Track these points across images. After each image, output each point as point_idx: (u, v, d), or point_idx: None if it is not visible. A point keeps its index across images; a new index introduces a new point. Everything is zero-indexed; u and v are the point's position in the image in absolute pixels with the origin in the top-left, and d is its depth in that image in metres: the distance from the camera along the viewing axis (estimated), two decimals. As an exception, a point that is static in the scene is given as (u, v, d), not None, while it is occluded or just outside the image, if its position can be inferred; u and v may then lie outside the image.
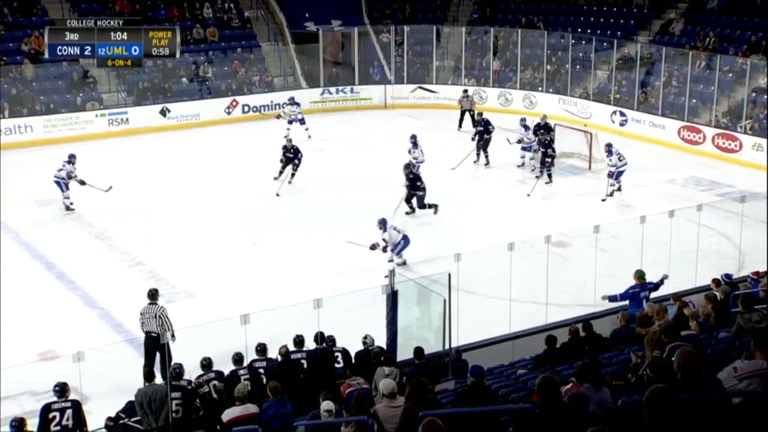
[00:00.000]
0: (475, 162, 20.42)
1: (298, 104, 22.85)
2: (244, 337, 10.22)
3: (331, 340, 10.41)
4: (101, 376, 10.16)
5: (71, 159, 17.45)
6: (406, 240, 14.57)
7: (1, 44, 23.72)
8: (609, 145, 18.53)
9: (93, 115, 23.31)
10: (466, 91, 24.50)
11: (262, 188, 18.77)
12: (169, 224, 16.73)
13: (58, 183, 17.32)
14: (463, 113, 23.75)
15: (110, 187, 17.54)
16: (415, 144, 18.72)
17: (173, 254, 15.23)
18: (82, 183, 17.31)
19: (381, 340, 10.92)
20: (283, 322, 10.86)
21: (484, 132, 20.39)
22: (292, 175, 18.88)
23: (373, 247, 14.28)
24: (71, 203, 17.38)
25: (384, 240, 14.35)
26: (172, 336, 10.92)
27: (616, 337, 10.29)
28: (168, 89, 24.75)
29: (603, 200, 17.99)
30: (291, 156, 18.85)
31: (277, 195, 18.31)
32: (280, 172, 18.85)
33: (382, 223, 14.50)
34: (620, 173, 18.17)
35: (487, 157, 20.43)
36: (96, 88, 23.97)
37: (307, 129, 22.41)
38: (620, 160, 18.13)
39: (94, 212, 17.26)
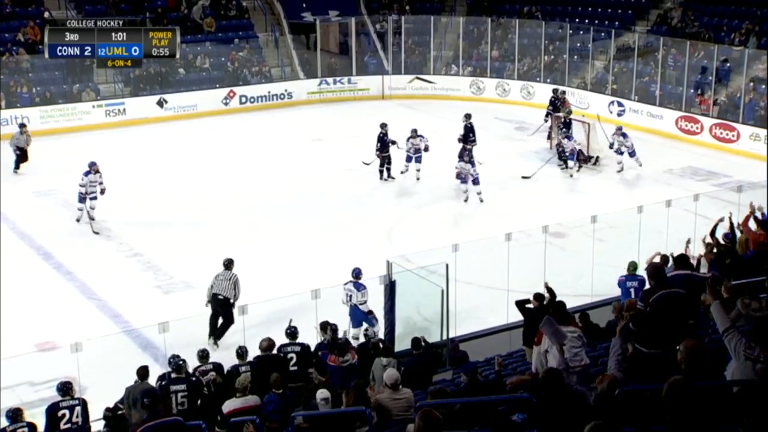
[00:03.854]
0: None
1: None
2: (242, 326, 10.25)
3: (334, 330, 10.37)
4: (99, 367, 10.17)
5: (92, 168, 15.89)
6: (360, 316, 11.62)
7: (-2, 35, 23.68)
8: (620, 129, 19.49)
9: (90, 105, 23.23)
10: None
11: (259, 179, 18.77)
12: (167, 215, 16.72)
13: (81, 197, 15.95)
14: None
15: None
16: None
17: (171, 245, 15.24)
18: (102, 192, 15.92)
19: (379, 331, 10.97)
20: (281, 312, 10.88)
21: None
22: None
23: None
24: (79, 217, 16.08)
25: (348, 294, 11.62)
26: (233, 304, 11.55)
27: (612, 327, 10.29)
28: (165, 80, 24.70)
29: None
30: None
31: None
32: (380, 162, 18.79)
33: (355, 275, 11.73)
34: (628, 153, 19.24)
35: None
36: (93, 79, 23.91)
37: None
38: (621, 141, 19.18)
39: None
